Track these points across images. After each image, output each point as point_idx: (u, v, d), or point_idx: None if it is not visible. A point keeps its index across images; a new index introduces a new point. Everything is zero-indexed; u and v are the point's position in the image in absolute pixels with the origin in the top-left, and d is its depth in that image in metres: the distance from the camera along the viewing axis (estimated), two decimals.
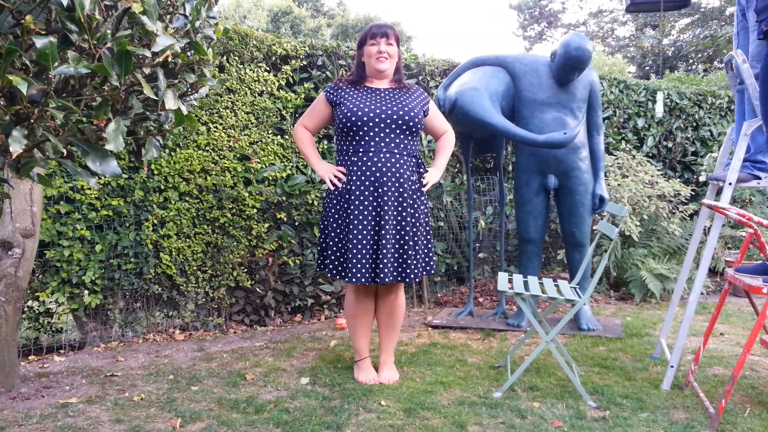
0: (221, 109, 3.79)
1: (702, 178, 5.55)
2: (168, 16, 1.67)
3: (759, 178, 2.78)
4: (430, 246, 2.84)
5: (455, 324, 3.86)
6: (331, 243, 2.76)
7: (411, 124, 2.71)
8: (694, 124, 5.93)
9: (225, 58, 3.81)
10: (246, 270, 3.88)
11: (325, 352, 3.30)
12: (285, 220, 3.99)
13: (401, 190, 2.70)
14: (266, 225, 3.89)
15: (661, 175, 5.32)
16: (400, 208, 2.70)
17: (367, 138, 2.68)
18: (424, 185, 2.80)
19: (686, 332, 2.72)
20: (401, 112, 2.70)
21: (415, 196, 2.75)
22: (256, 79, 3.90)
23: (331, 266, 2.76)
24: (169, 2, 1.66)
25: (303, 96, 4.06)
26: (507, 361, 3.00)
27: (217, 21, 1.89)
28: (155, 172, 3.59)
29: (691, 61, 16.24)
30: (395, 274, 2.69)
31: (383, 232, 2.65)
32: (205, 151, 3.73)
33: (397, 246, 2.70)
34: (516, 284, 2.88)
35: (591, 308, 3.96)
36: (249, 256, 3.89)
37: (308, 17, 24.70)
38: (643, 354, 3.25)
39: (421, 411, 2.44)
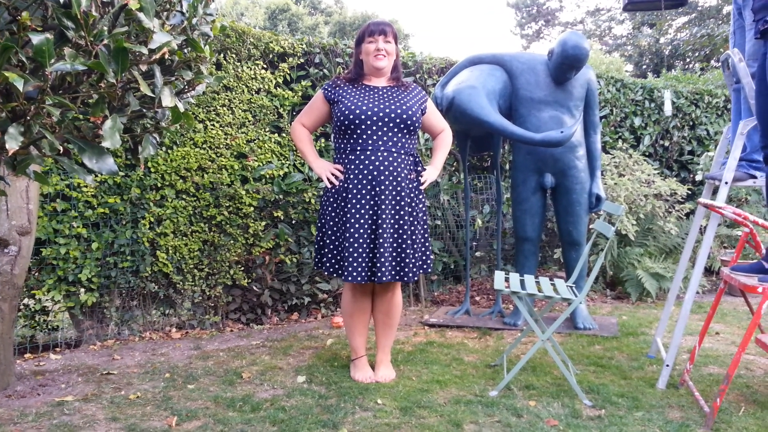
0: (218, 107, 3.78)
1: (698, 177, 5.57)
2: (165, 13, 1.67)
3: (755, 177, 2.79)
4: (427, 245, 2.84)
5: (452, 323, 3.86)
6: (328, 241, 2.76)
7: (409, 122, 2.71)
8: (691, 123, 5.94)
9: (222, 55, 3.80)
10: (243, 268, 3.88)
11: (322, 351, 3.30)
12: (282, 218, 3.99)
13: (399, 188, 2.70)
14: (263, 223, 3.89)
15: (658, 174, 5.34)
16: (397, 207, 2.70)
17: (364, 136, 2.68)
18: (422, 184, 2.80)
19: (682, 331, 2.72)
20: (399, 111, 2.70)
21: (412, 195, 2.75)
22: (253, 76, 3.89)
23: (328, 264, 2.76)
24: None
25: (300, 94, 4.06)
26: (503, 360, 3.01)
27: (214, 18, 1.89)
28: (152, 169, 3.58)
29: (688, 59, 16.27)
30: (392, 273, 2.69)
31: (380, 230, 2.64)
32: (202, 149, 3.72)
33: (394, 245, 2.70)
34: (512, 283, 2.89)
35: (587, 307, 3.97)
36: (246, 254, 3.88)
37: (306, 15, 24.66)
38: (638, 353, 3.26)
39: (418, 409, 2.45)
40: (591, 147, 3.77)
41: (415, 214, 2.76)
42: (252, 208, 3.84)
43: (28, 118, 1.32)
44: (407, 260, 2.69)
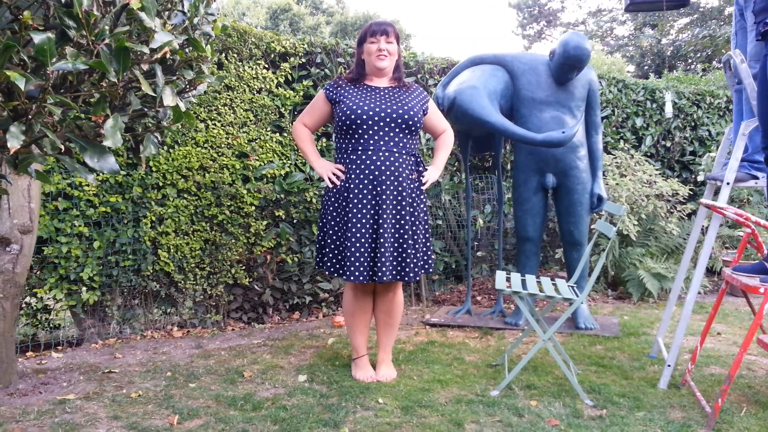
0: (220, 107, 3.78)
1: (700, 178, 5.56)
2: (166, 13, 1.67)
3: (757, 177, 2.79)
4: (428, 244, 2.84)
5: (453, 322, 3.86)
6: (329, 241, 2.76)
7: (410, 123, 2.71)
8: (693, 123, 5.94)
9: (223, 55, 3.81)
10: (244, 267, 3.88)
11: (323, 350, 3.30)
12: (283, 217, 3.99)
13: (400, 188, 2.70)
14: (264, 222, 3.89)
15: (660, 174, 5.33)
16: (398, 207, 2.70)
17: (366, 136, 2.68)
18: (423, 184, 2.80)
19: (683, 331, 2.72)
20: (401, 111, 2.70)
21: (414, 195, 2.75)
22: (254, 76, 3.89)
23: (329, 264, 2.76)
24: None
25: (301, 93, 4.06)
26: (504, 360, 3.01)
27: (215, 18, 1.89)
28: (153, 169, 3.59)
29: (689, 60, 16.25)
30: (394, 272, 2.69)
31: (382, 230, 2.64)
32: (203, 149, 3.72)
33: (395, 244, 2.70)
34: (514, 283, 2.89)
35: (588, 307, 3.97)
36: (247, 253, 3.89)
37: (307, 15, 24.67)
38: (640, 353, 3.26)
39: (419, 409, 2.45)
40: (592, 147, 3.77)
41: (416, 214, 2.76)
42: (253, 208, 3.84)
43: (30, 116, 1.33)
44: (408, 260, 2.69)
